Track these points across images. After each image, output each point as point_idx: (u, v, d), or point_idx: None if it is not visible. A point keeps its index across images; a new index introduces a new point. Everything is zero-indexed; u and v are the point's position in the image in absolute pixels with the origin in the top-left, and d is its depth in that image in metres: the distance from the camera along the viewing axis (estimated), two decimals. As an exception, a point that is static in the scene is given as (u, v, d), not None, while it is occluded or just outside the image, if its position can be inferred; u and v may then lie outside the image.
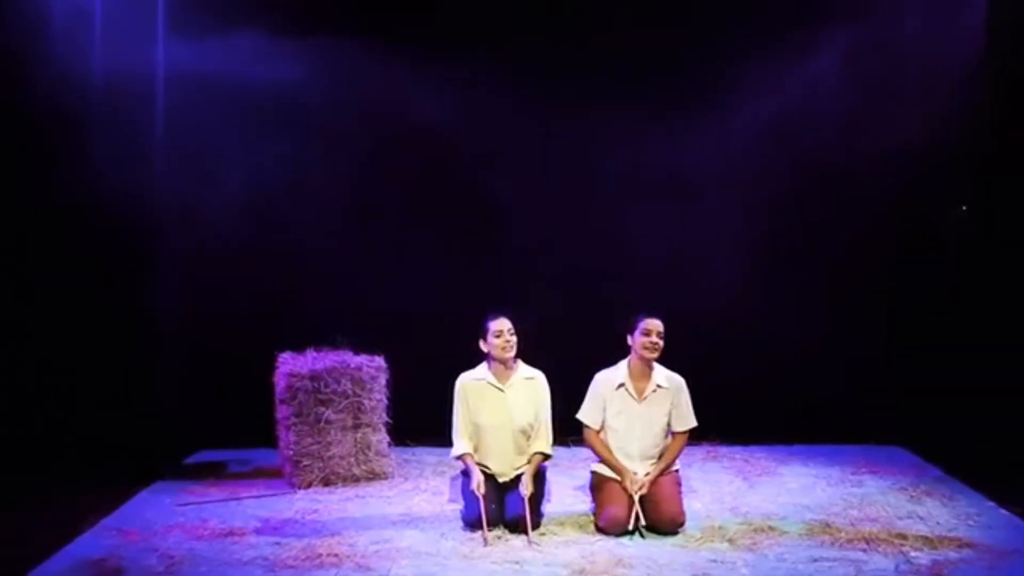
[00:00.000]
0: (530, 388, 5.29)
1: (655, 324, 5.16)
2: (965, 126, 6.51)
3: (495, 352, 5.22)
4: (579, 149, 7.01)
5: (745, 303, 6.97)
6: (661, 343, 5.15)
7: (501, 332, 5.20)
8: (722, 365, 6.90)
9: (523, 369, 5.33)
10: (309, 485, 5.97)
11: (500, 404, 5.24)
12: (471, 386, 5.29)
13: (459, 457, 5.26)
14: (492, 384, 5.27)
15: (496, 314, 5.24)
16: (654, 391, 5.22)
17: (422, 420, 6.70)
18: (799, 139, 6.89)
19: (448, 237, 7.04)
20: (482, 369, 5.33)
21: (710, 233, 7.02)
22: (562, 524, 5.19)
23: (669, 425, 5.25)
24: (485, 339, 5.24)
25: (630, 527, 4.94)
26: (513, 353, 5.22)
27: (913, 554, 4.72)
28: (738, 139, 6.88)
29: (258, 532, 5.14)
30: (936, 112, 6.59)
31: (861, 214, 6.94)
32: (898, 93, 6.76)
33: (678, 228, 6.98)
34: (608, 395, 5.25)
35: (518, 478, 5.16)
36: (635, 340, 5.19)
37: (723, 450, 6.89)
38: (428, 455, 6.81)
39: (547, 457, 5.30)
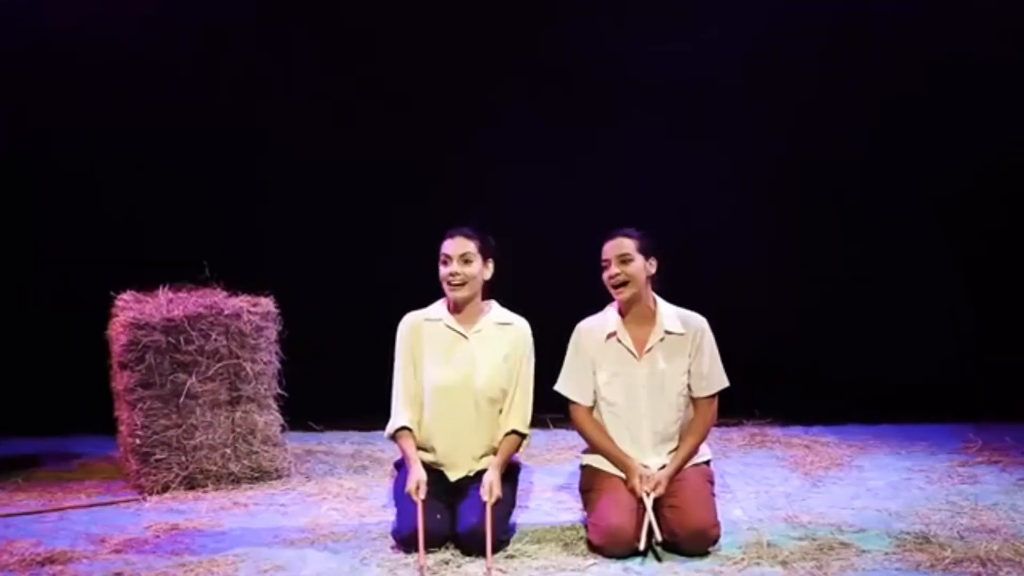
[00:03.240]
0: (505, 338, 5.26)
1: (612, 248, 5.10)
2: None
3: (443, 286, 5.21)
4: (558, 41, 7.08)
5: (804, 231, 7.15)
6: (631, 270, 5.08)
7: (449, 258, 5.16)
8: (772, 314, 7.04)
9: (497, 312, 5.31)
10: (165, 489, 5.98)
11: (461, 357, 5.21)
12: (421, 329, 5.26)
13: (394, 435, 5.24)
14: (451, 328, 5.24)
15: (455, 231, 5.21)
16: (661, 340, 5.17)
17: (333, 393, 6.77)
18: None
19: (383, 136, 7.09)
20: (439, 307, 5.30)
21: (754, 153, 7.13)
22: (539, 542, 5.16)
23: (689, 388, 5.23)
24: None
25: (640, 545, 4.92)
26: (464, 294, 5.17)
27: (1049, 580, 4.76)
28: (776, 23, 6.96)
29: (91, 558, 5.06)
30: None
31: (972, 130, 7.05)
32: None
33: (711, 146, 7.10)
34: (596, 352, 5.20)
35: (478, 476, 5.13)
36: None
37: (774, 432, 6.96)
38: (341, 444, 6.84)
39: (522, 440, 5.27)
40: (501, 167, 7.07)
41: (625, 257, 5.08)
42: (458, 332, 5.23)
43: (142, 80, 7.01)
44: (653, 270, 5.15)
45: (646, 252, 5.11)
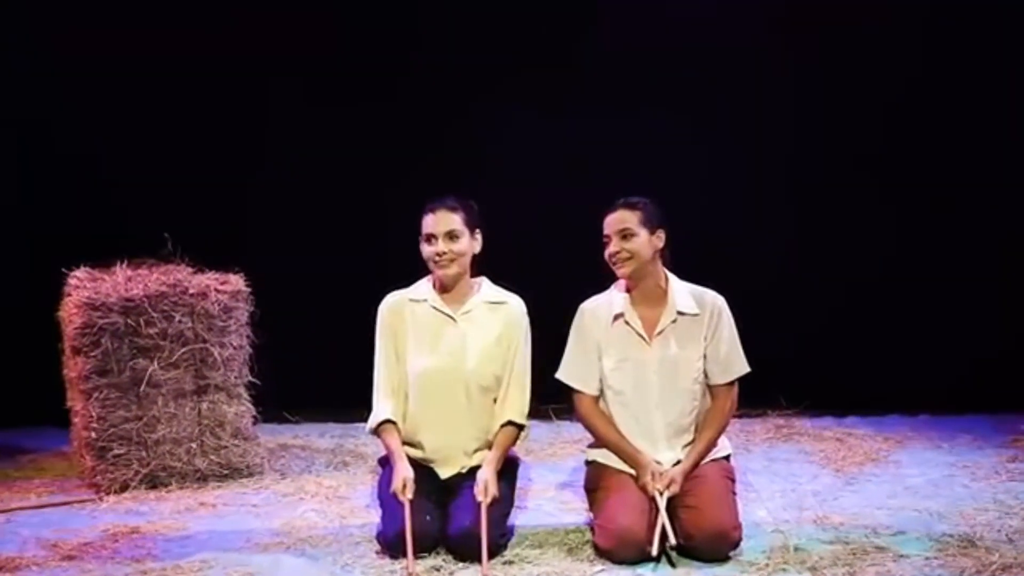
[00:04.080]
0: (498, 319, 5.24)
1: (613, 223, 5.08)
2: None
3: (429, 265, 5.20)
4: (567, 29, 7.21)
5: (840, 193, 7.19)
6: (634, 246, 5.04)
7: (434, 236, 5.13)
8: (801, 295, 7.09)
9: (488, 290, 5.29)
10: (124, 488, 5.98)
11: (450, 341, 5.20)
12: (404, 310, 5.24)
13: (376, 430, 5.22)
14: (438, 309, 5.23)
15: (436, 204, 5.17)
16: (673, 322, 5.15)
17: (311, 381, 6.85)
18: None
19: (373, 111, 7.12)
20: (423, 286, 5.28)
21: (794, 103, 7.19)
22: (540, 546, 5.15)
23: (706, 376, 5.21)
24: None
25: (652, 549, 4.90)
26: (454, 271, 5.16)
27: (1110, 588, 4.74)
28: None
29: (41, 565, 5.04)
30: None
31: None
32: None
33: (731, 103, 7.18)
34: (602, 335, 5.18)
35: (472, 473, 5.13)
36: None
37: (802, 424, 6.98)
38: (320, 437, 6.86)
39: (520, 432, 5.26)
40: (497, 145, 7.12)
41: (627, 232, 5.04)
42: (445, 314, 5.21)
43: (117, 48, 7.06)
44: (661, 244, 5.10)
45: (651, 224, 5.07)
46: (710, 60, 7.16)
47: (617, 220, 5.07)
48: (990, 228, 7.23)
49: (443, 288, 5.23)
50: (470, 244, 5.16)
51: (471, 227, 5.15)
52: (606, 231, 5.09)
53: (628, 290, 5.18)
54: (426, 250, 5.14)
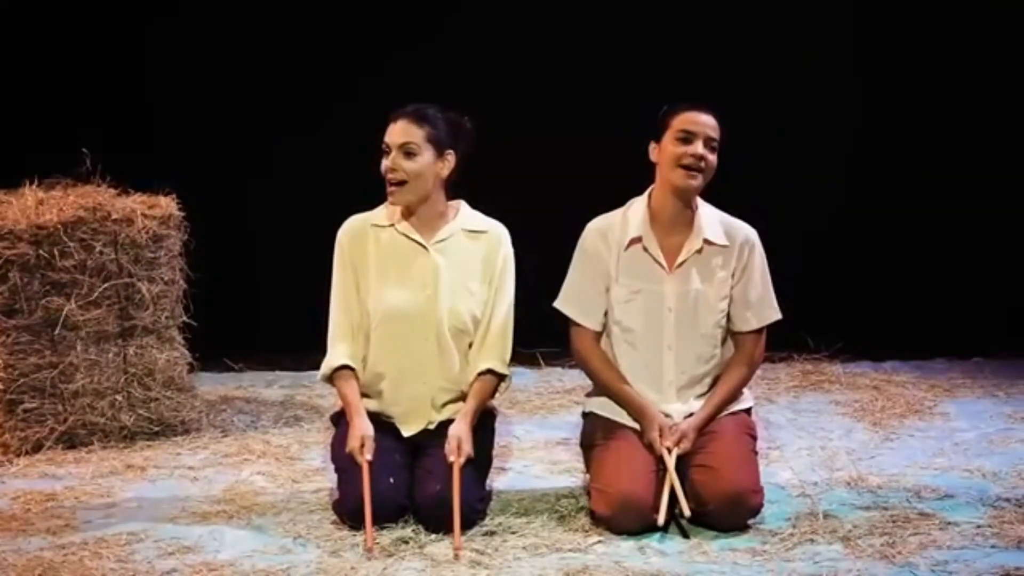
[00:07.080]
0: (477, 250, 5.23)
1: (704, 125, 5.01)
2: None
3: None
4: None
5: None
6: (714, 161, 5.04)
7: (388, 149, 5.09)
8: (832, 214, 7.15)
9: (466, 216, 5.26)
10: (37, 448, 6.02)
11: (420, 274, 5.18)
12: (367, 238, 5.22)
13: (330, 377, 5.23)
14: (406, 236, 5.20)
15: (400, 111, 5.13)
16: (698, 252, 5.13)
17: (256, 322, 6.91)
18: None
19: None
20: (388, 209, 5.26)
21: None
22: (527, 514, 5.19)
23: (729, 320, 5.20)
24: None
25: (659, 518, 4.92)
26: (402, 198, 5.12)
27: None
28: None
29: (-61, 538, 5.09)
30: None
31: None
32: None
33: None
34: (612, 261, 5.17)
35: (442, 429, 5.14)
36: (662, 152, 5.06)
37: (833, 369, 7.03)
38: (267, 388, 6.93)
39: (500, 382, 5.26)
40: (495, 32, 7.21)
41: (714, 143, 5.02)
42: (415, 241, 5.18)
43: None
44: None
45: (721, 144, 5.06)
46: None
47: (710, 124, 5.03)
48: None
49: (411, 211, 5.19)
50: (432, 166, 5.10)
51: (438, 145, 5.10)
52: (691, 127, 5.01)
53: (652, 210, 5.14)
54: (382, 165, 5.10)
